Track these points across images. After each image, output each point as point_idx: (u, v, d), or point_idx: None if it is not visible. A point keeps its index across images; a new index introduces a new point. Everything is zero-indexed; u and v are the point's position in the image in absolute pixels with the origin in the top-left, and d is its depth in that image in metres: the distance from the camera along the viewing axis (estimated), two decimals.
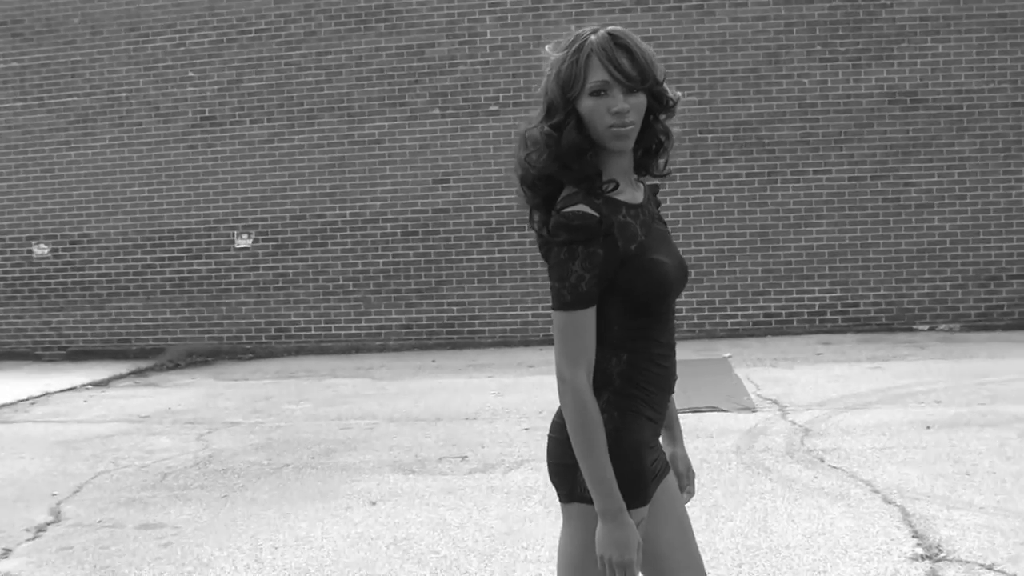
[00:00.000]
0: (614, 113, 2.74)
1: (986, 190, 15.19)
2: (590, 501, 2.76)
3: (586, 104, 2.76)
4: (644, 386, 2.87)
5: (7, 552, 6.50)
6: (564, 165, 2.78)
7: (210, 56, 16.50)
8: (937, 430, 8.63)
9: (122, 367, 15.35)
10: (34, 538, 6.79)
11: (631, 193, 2.89)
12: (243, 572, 5.91)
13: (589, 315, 2.73)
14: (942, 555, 5.55)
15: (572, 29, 2.91)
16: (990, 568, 5.33)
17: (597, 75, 2.74)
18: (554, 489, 2.93)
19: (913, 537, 5.88)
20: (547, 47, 2.92)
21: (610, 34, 2.77)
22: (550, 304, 2.74)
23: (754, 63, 15.40)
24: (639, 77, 2.74)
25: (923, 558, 5.53)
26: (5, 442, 10.18)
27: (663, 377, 2.93)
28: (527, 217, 2.88)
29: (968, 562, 5.43)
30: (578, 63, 2.77)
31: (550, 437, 2.94)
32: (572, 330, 2.73)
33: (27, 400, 12.81)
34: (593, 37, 2.78)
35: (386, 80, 16.09)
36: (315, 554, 6.15)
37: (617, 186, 2.82)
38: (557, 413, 2.89)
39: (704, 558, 4.37)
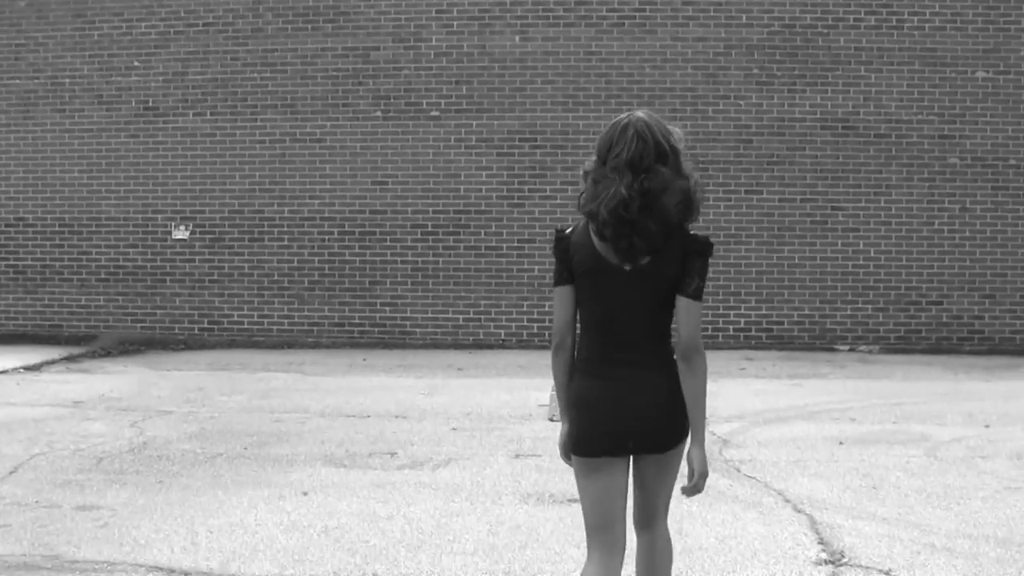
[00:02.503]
0: None
1: (910, 217, 15.69)
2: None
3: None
4: None
5: None
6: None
7: (156, 47, 16.60)
8: (849, 446, 9.03)
9: (54, 352, 15.37)
10: None
11: None
12: (180, 553, 6.12)
13: None
14: (844, 560, 5.91)
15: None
16: (887, 573, 5.70)
17: None
18: (668, 446, 4.04)
19: (819, 544, 6.24)
20: (678, 129, 4.04)
21: None
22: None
23: (692, 82, 15.80)
24: None
25: (826, 563, 5.89)
26: None
27: None
28: (628, 250, 3.91)
29: (868, 567, 5.79)
30: None
31: (663, 410, 3.99)
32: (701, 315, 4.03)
33: None
34: None
35: (330, 80, 16.30)
36: (249, 539, 6.38)
37: None
38: (662, 394, 3.98)
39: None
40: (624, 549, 4.10)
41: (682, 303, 3.93)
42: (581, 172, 4.02)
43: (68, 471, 8.19)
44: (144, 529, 6.59)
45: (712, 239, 4.09)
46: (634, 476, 4.13)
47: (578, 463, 4.07)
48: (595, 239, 3.95)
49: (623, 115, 3.98)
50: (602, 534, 4.05)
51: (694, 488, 4.04)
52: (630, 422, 3.95)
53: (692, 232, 3.95)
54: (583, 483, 4.09)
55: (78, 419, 10.39)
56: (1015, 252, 15.72)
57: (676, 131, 3.98)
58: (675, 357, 4.00)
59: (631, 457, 4.07)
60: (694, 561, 5.91)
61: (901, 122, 15.68)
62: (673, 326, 4.03)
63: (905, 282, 15.78)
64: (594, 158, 3.98)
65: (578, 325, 4.10)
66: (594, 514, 4.07)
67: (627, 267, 3.91)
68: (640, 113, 3.95)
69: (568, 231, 4.08)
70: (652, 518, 4.16)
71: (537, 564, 5.95)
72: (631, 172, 3.83)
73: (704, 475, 4.01)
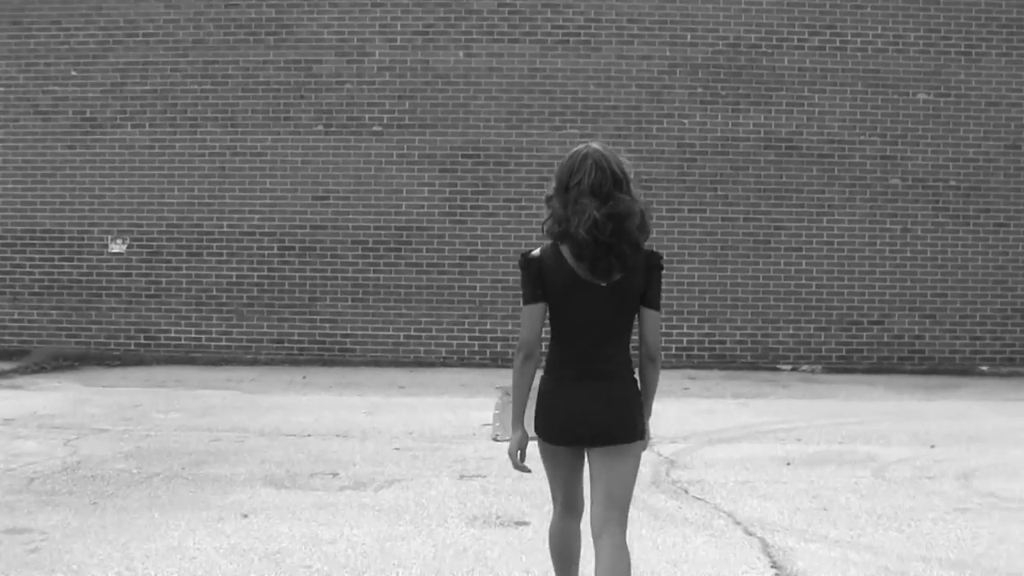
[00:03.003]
0: None
1: (852, 237, 15.75)
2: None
3: None
4: None
5: None
6: None
7: (95, 56, 16.30)
8: (797, 466, 8.96)
9: None
10: None
11: None
12: None
13: None
14: None
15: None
16: None
17: None
18: (621, 440, 4.47)
19: (772, 568, 6.14)
20: (625, 159, 4.48)
21: None
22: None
23: (637, 100, 15.76)
24: None
25: None
26: None
27: None
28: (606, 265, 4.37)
29: None
30: None
31: (621, 413, 4.48)
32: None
33: None
34: None
35: (272, 93, 16.09)
36: (187, 564, 6.17)
37: None
38: (618, 393, 4.50)
39: None
40: (582, 512, 4.71)
41: (648, 313, 4.55)
42: (544, 198, 4.50)
43: None
44: (77, 554, 6.36)
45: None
46: (591, 471, 4.56)
47: (542, 447, 4.62)
48: (570, 259, 4.37)
49: (580, 146, 4.49)
50: (564, 500, 4.69)
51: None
52: (589, 425, 4.44)
53: (647, 249, 4.53)
54: (547, 464, 4.68)
55: (8, 437, 10.09)
56: (955, 273, 15.83)
57: (624, 160, 4.47)
58: (639, 359, 4.57)
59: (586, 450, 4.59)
60: None
61: (844, 143, 15.75)
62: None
63: (847, 302, 15.83)
64: (554, 185, 4.41)
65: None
66: (557, 488, 4.69)
67: (603, 284, 4.40)
68: (595, 144, 4.48)
69: (534, 253, 4.50)
70: (608, 520, 4.45)
71: None
72: (596, 198, 4.29)
73: (650, 438, 4.75)
